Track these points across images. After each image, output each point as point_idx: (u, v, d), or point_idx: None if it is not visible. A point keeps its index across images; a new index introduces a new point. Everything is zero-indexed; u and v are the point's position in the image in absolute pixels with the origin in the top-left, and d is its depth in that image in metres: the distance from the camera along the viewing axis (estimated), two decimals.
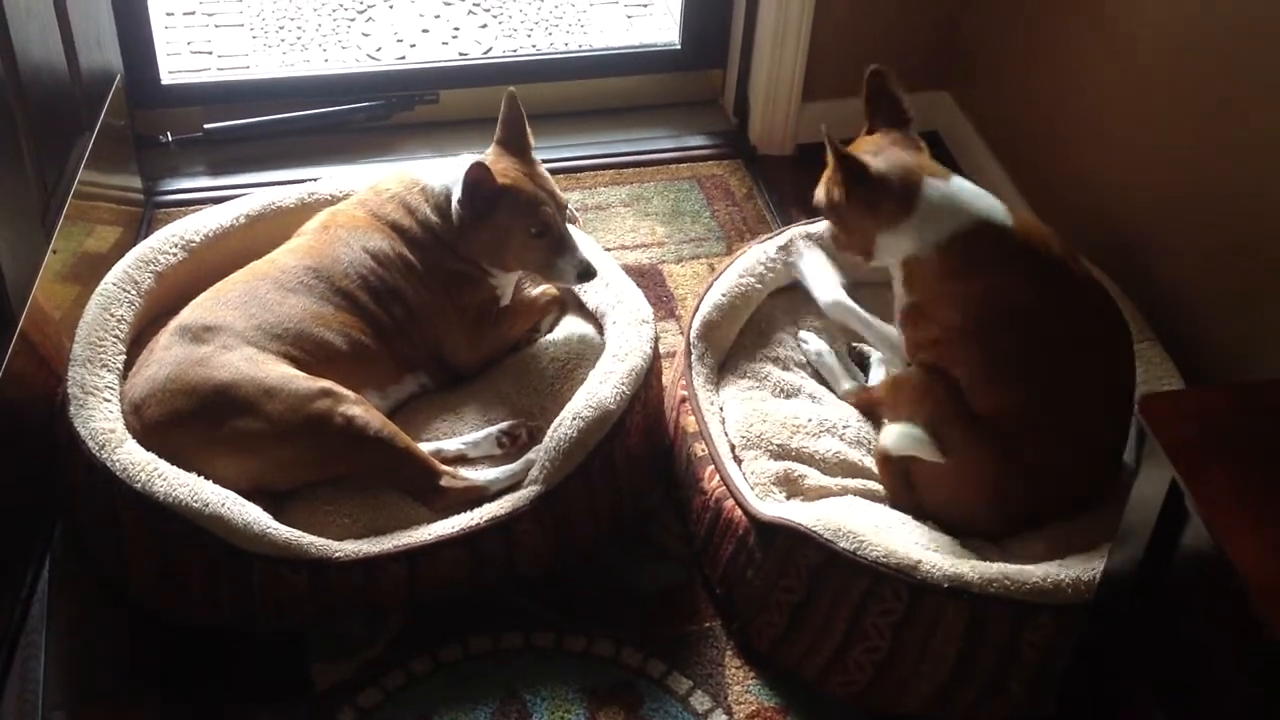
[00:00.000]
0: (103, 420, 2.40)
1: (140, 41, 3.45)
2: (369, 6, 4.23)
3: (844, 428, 2.65)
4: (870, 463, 2.59)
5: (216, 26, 4.12)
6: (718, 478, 2.49)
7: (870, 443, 2.62)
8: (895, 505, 2.50)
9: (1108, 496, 2.41)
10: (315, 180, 3.02)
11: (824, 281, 2.77)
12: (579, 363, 2.71)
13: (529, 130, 2.72)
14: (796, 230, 2.90)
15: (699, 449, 2.57)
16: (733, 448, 2.58)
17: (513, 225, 2.64)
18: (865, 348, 2.81)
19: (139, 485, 2.30)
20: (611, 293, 2.77)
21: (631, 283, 2.80)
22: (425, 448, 2.53)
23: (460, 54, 4.01)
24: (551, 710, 2.32)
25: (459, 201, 2.62)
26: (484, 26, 4.16)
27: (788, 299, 2.89)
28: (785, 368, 2.76)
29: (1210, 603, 1.81)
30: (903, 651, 2.26)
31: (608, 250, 3.03)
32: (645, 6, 4.28)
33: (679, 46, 3.83)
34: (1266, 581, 1.66)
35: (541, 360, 2.74)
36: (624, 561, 2.58)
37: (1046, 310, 2.39)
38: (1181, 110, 2.72)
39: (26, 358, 2.49)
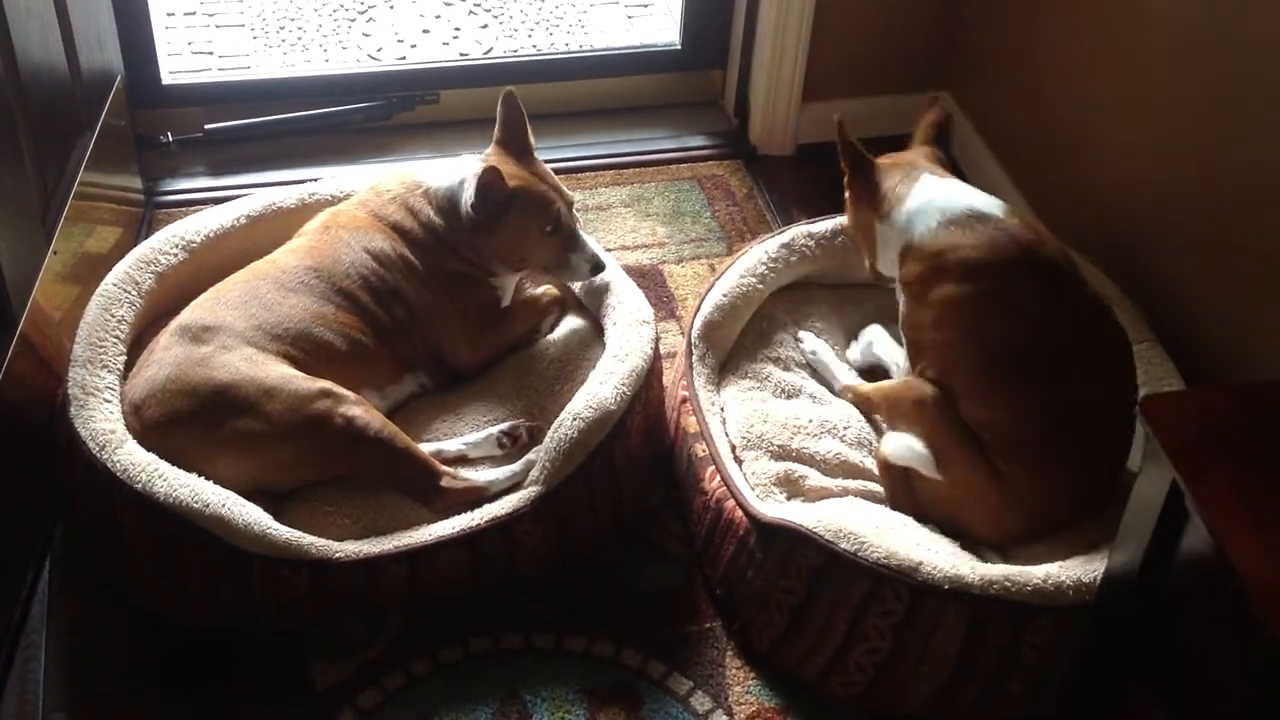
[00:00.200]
0: (103, 421, 2.40)
1: (141, 41, 3.45)
2: (370, 7, 4.23)
3: (845, 429, 2.64)
4: (871, 464, 2.59)
5: (217, 27, 4.12)
6: (718, 478, 2.49)
7: (871, 444, 2.62)
8: (895, 507, 2.50)
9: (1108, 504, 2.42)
10: (316, 181, 3.02)
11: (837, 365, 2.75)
12: (579, 363, 2.71)
13: (529, 128, 2.73)
14: (798, 230, 2.90)
15: (700, 449, 2.57)
16: (733, 448, 2.58)
17: (527, 226, 2.66)
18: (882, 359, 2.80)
19: (139, 486, 2.30)
20: (612, 293, 2.77)
21: (632, 283, 2.80)
22: (425, 448, 2.53)
23: (461, 54, 4.01)
24: (552, 711, 2.32)
25: (471, 206, 2.62)
26: (485, 27, 4.16)
27: (789, 299, 2.89)
28: (786, 368, 2.75)
29: (1211, 603, 1.81)
30: (903, 652, 2.26)
31: (608, 251, 3.03)
32: (646, 7, 4.28)
33: (679, 47, 3.83)
34: (1267, 582, 1.66)
35: (542, 361, 2.74)
36: (624, 562, 2.58)
37: (1041, 318, 2.39)
38: (1182, 110, 2.72)
39: (27, 358, 2.49)
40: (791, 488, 2.51)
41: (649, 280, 3.23)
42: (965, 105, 3.61)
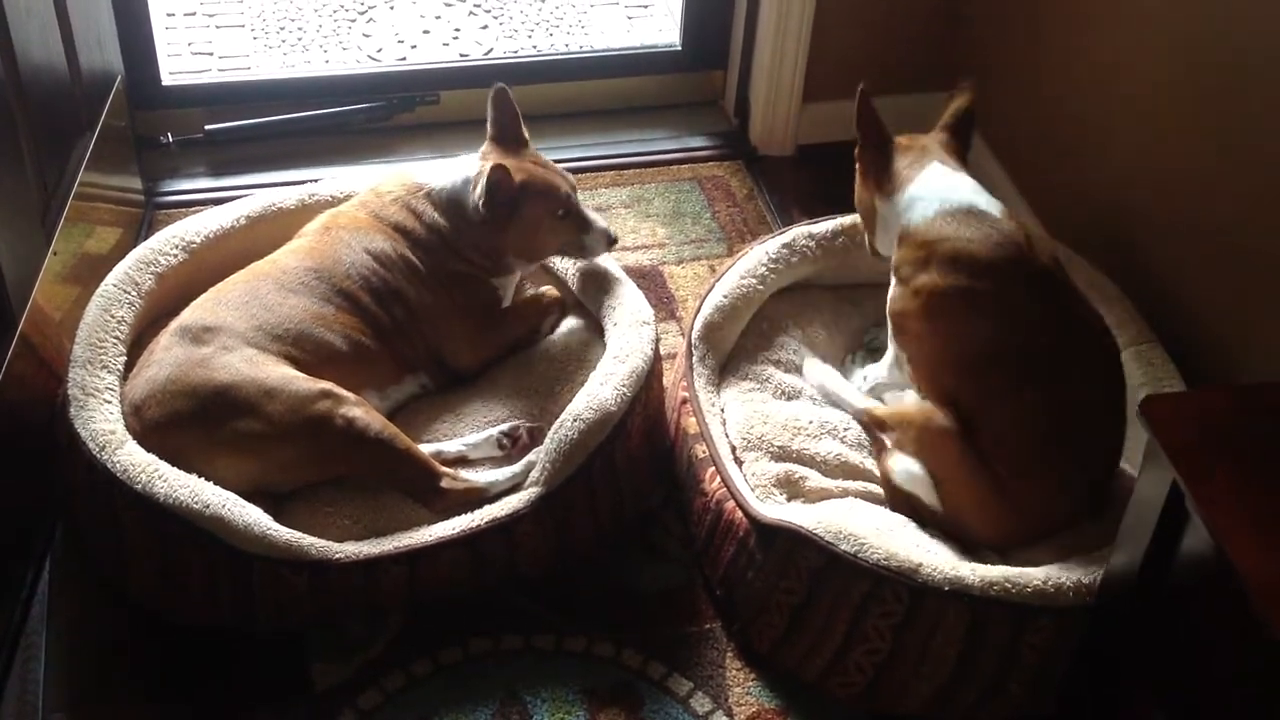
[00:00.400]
0: (103, 421, 2.40)
1: (141, 42, 3.45)
2: (370, 7, 4.23)
3: (845, 430, 2.64)
4: (871, 465, 2.59)
5: (217, 27, 4.12)
6: (719, 479, 2.49)
7: (871, 444, 2.62)
8: (895, 509, 2.50)
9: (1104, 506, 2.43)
10: (316, 181, 3.02)
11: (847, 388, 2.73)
12: (579, 364, 2.71)
13: (521, 118, 2.76)
14: (798, 230, 2.90)
15: (700, 450, 2.57)
16: (733, 449, 2.57)
17: (539, 216, 2.69)
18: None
19: (139, 486, 2.30)
20: (612, 294, 2.77)
21: (632, 284, 2.80)
22: (426, 449, 2.53)
23: (461, 55, 4.01)
24: (552, 712, 2.32)
25: (482, 205, 2.63)
26: (485, 28, 4.16)
27: (790, 300, 2.89)
28: (787, 370, 2.75)
29: (1211, 604, 1.81)
30: (903, 653, 2.26)
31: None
32: (646, 7, 4.28)
33: (679, 47, 3.83)
34: (1267, 582, 1.66)
35: (542, 362, 2.74)
36: (624, 563, 2.58)
37: (1026, 321, 2.38)
38: (1182, 109, 2.72)
39: (27, 359, 2.49)
40: (792, 489, 2.51)
41: (649, 281, 3.23)
42: None
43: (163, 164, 3.52)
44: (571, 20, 4.23)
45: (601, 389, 2.51)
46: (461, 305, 2.69)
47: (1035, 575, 2.25)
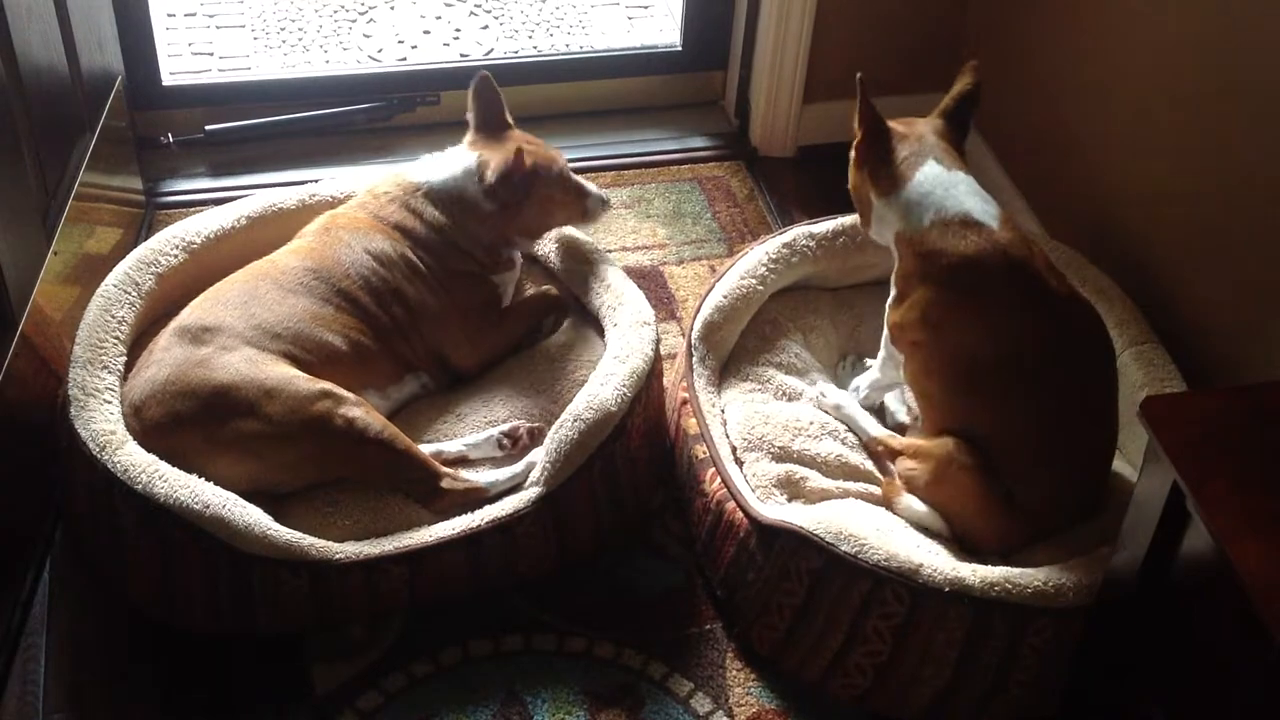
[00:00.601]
0: (103, 422, 2.40)
1: (141, 43, 3.45)
2: (370, 8, 4.23)
3: (845, 431, 2.64)
4: (871, 466, 2.59)
5: (217, 28, 4.12)
6: (719, 480, 2.49)
7: (876, 466, 2.62)
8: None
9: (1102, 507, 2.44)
10: (316, 182, 3.01)
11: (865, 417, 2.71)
12: (580, 365, 2.71)
13: (504, 102, 2.81)
14: (799, 230, 2.90)
15: (700, 451, 2.57)
16: (734, 450, 2.57)
17: (551, 193, 2.76)
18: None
19: (139, 487, 2.30)
20: (612, 294, 2.77)
21: (633, 284, 2.80)
22: (426, 449, 2.53)
23: (461, 55, 4.00)
24: (552, 712, 2.32)
25: (498, 190, 2.67)
26: (485, 28, 4.16)
27: (790, 300, 2.88)
28: (788, 371, 2.75)
29: (1212, 604, 1.81)
30: (904, 655, 2.26)
31: (609, 252, 3.03)
32: (646, 8, 4.28)
33: (680, 48, 3.82)
34: (1267, 583, 1.66)
35: (543, 362, 2.74)
36: (625, 563, 2.58)
37: (1019, 333, 2.38)
38: (1183, 111, 2.72)
39: (27, 359, 2.49)
40: (792, 489, 2.51)
41: (649, 281, 3.23)
42: None
43: (163, 164, 3.52)
44: (572, 20, 4.23)
45: (602, 389, 2.51)
46: (462, 304, 2.69)
47: (1036, 576, 2.25)
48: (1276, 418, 1.91)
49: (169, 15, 4.10)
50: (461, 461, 2.56)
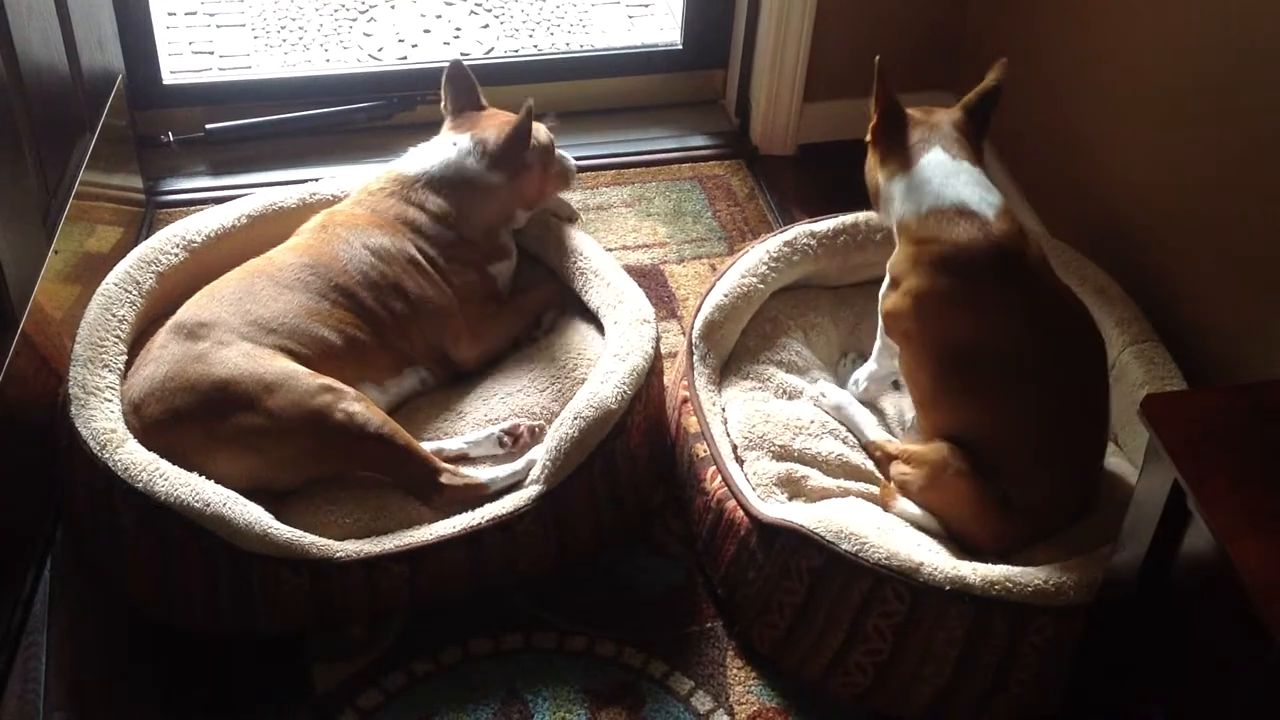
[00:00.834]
0: (104, 420, 2.40)
1: (142, 41, 3.45)
2: (371, 7, 4.23)
3: (846, 430, 2.64)
4: (873, 465, 2.59)
5: (218, 26, 4.12)
6: (719, 478, 2.49)
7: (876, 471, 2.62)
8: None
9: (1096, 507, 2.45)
10: (317, 180, 3.02)
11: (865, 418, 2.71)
12: (580, 363, 2.71)
13: (477, 84, 2.91)
14: (800, 229, 2.90)
15: (701, 449, 2.57)
16: (735, 448, 2.57)
17: (542, 154, 2.86)
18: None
19: (140, 485, 2.30)
20: (612, 292, 2.77)
21: (632, 282, 2.80)
22: (427, 446, 2.53)
23: (462, 54, 4.00)
24: (553, 711, 2.32)
25: (503, 159, 2.76)
26: (486, 27, 4.16)
27: (791, 299, 2.88)
28: (789, 370, 2.75)
29: (1212, 603, 1.81)
30: (904, 653, 2.26)
31: (609, 250, 3.03)
32: (647, 7, 4.28)
33: (680, 47, 3.83)
34: (1268, 582, 1.66)
35: (543, 360, 2.74)
36: (625, 562, 2.58)
37: (1009, 325, 2.38)
38: (1184, 110, 2.72)
39: (28, 358, 2.49)
40: (793, 488, 2.51)
41: (650, 280, 3.23)
42: None
43: (163, 163, 3.52)
44: (572, 19, 4.23)
45: (602, 387, 2.51)
46: (462, 296, 2.70)
47: (1037, 575, 2.25)
48: (1277, 416, 1.90)
49: (169, 14, 4.11)
50: (462, 459, 2.57)
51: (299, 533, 2.34)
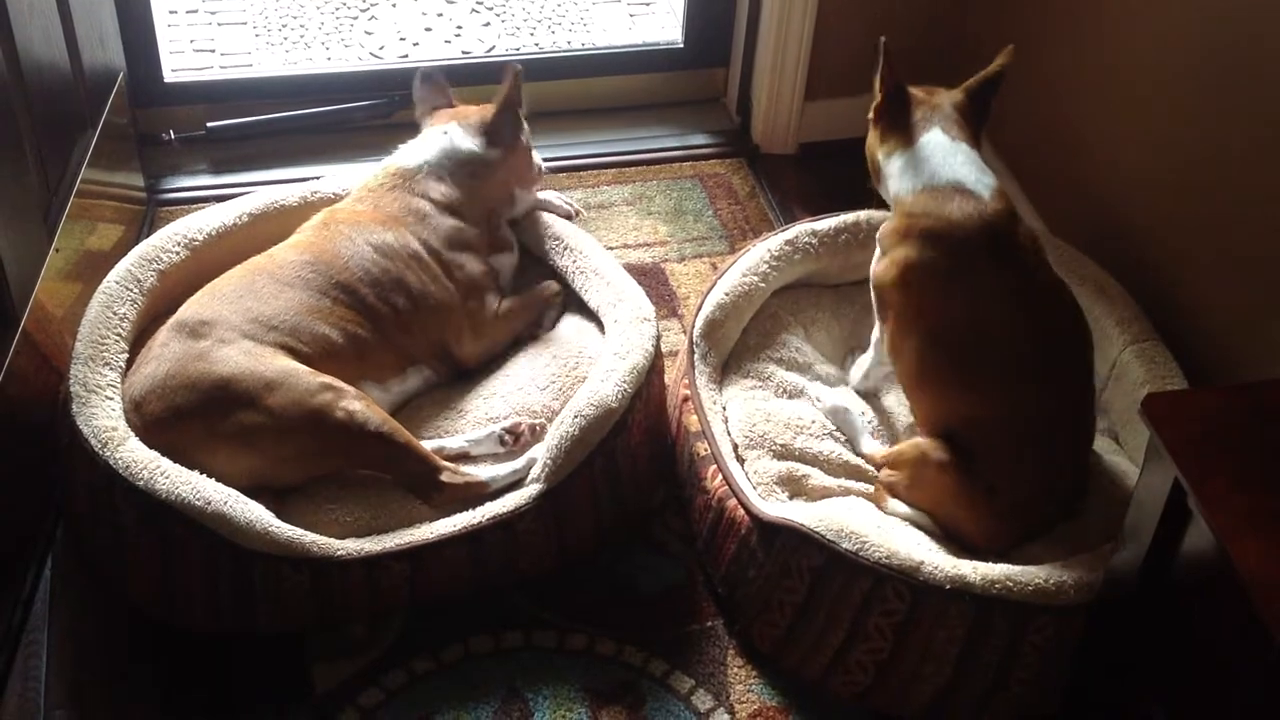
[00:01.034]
0: (105, 418, 2.40)
1: (143, 39, 3.45)
2: (372, 5, 4.23)
3: None
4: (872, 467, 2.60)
5: (219, 24, 4.12)
6: (720, 477, 2.49)
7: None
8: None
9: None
10: (318, 179, 3.02)
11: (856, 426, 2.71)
12: (581, 361, 2.71)
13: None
14: (801, 227, 2.90)
15: (701, 448, 2.57)
16: (736, 447, 2.57)
17: (527, 142, 2.94)
18: None
19: (141, 483, 2.30)
20: (612, 291, 2.77)
21: (632, 281, 2.80)
22: (428, 445, 2.53)
23: (463, 52, 4.01)
24: (553, 709, 2.32)
25: (498, 130, 2.85)
26: (487, 25, 4.16)
27: (792, 297, 2.88)
28: (789, 368, 2.75)
29: (1213, 603, 1.81)
30: (905, 652, 2.26)
31: (610, 249, 3.03)
32: (648, 5, 4.28)
33: (681, 45, 3.82)
34: (1268, 582, 1.66)
35: (544, 359, 2.75)
36: (626, 561, 2.58)
37: (994, 304, 2.38)
38: (1185, 109, 2.72)
39: (29, 356, 2.49)
40: (794, 487, 2.51)
41: (651, 279, 3.23)
42: None
43: (165, 161, 3.52)
44: (574, 17, 4.23)
45: (602, 385, 2.51)
46: (464, 290, 2.70)
47: (1037, 574, 2.25)
48: (1277, 416, 1.90)
49: (171, 12, 4.11)
50: (463, 458, 2.57)
51: (300, 531, 2.34)
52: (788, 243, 2.87)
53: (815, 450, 2.57)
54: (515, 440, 2.58)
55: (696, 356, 2.68)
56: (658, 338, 2.67)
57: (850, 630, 2.28)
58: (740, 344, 2.78)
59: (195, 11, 4.17)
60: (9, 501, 2.45)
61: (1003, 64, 2.60)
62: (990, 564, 2.28)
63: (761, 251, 2.85)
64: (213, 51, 3.98)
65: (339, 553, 2.34)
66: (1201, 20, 2.65)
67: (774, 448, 2.56)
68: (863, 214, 2.89)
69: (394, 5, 4.23)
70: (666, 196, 3.52)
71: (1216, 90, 2.62)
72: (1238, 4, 2.54)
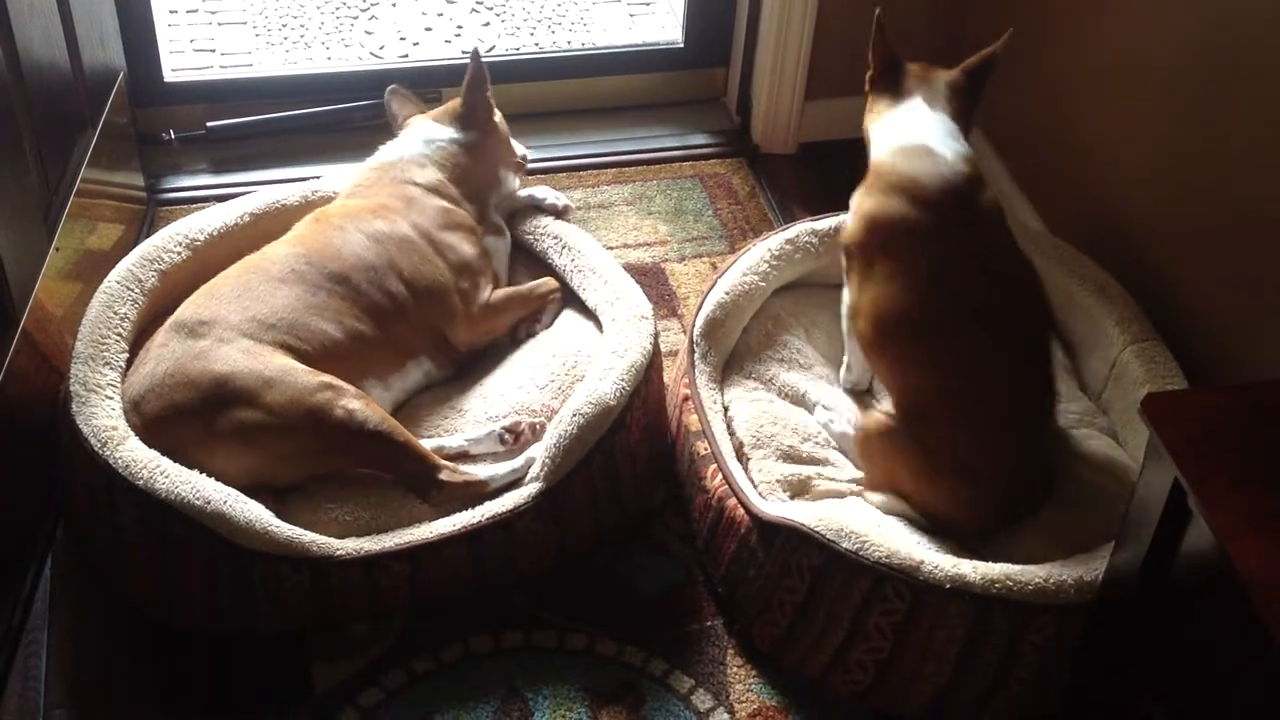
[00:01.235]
0: (105, 418, 2.40)
1: (143, 39, 3.45)
2: (372, 4, 4.23)
3: None
4: None
5: (219, 24, 4.12)
6: (720, 476, 2.49)
7: None
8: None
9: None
10: (318, 178, 3.02)
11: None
12: (580, 360, 2.71)
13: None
14: (802, 227, 2.90)
15: (702, 448, 2.56)
16: (742, 445, 2.57)
17: (502, 128, 3.00)
18: None
19: (141, 483, 2.30)
20: (610, 289, 2.77)
21: (630, 279, 2.80)
22: (427, 444, 2.53)
23: (463, 52, 4.00)
24: (553, 709, 2.32)
25: (472, 112, 2.93)
26: (487, 25, 4.16)
27: (793, 297, 2.89)
28: (790, 368, 2.75)
29: (1212, 603, 1.81)
30: (905, 652, 2.26)
31: (610, 249, 3.03)
32: (648, 5, 4.28)
33: (681, 45, 3.82)
34: (1268, 582, 1.66)
35: (543, 357, 2.75)
36: (625, 560, 2.58)
37: (947, 261, 2.40)
38: (1185, 110, 2.72)
39: (28, 355, 2.49)
40: (798, 487, 2.51)
41: (651, 278, 3.23)
42: None
43: (165, 161, 3.52)
44: (574, 17, 4.23)
45: (600, 384, 2.51)
46: (457, 270, 2.71)
47: (1037, 573, 2.25)
48: (1277, 416, 1.90)
49: (171, 11, 4.11)
50: (463, 457, 2.57)
51: (299, 530, 2.34)
52: (788, 242, 2.87)
53: (823, 456, 2.58)
54: (515, 439, 2.58)
55: (697, 356, 2.68)
56: (656, 336, 2.67)
57: (850, 630, 2.28)
58: (742, 345, 2.78)
59: (195, 11, 4.17)
60: (9, 501, 2.45)
61: (1000, 46, 2.64)
62: (990, 564, 2.28)
63: (762, 251, 2.85)
64: (213, 51, 3.98)
65: (339, 552, 2.34)
66: (1201, 20, 2.65)
67: (780, 449, 2.56)
68: None
69: (394, 5, 4.23)
70: (666, 196, 3.52)
71: (1217, 90, 2.62)
72: (1238, 4, 2.54)
